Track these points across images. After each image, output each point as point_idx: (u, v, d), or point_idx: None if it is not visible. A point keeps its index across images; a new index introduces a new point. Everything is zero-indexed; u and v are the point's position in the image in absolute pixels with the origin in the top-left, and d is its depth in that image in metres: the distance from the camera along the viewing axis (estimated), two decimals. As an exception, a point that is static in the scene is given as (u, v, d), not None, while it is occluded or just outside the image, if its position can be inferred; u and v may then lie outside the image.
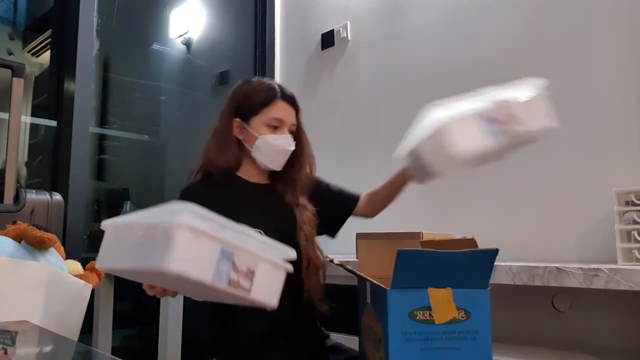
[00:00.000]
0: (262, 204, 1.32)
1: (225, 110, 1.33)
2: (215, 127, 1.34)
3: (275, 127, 1.30)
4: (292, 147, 1.32)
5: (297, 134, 1.37)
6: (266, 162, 1.31)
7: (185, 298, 1.69)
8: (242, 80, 1.38)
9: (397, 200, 2.46)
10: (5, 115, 1.71)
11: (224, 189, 1.30)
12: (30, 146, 2.25)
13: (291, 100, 1.35)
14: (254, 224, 1.17)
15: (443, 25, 2.32)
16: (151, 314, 2.40)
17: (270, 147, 1.29)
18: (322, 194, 1.41)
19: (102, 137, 2.47)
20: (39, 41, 2.35)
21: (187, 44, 2.88)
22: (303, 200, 1.34)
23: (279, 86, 1.34)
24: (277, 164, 1.32)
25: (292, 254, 0.80)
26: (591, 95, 1.85)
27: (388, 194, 1.47)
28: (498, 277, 1.59)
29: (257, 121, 1.29)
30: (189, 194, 1.30)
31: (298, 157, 1.35)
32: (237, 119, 1.31)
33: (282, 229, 1.24)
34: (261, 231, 1.16)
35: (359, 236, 1.47)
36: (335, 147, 2.67)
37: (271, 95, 1.31)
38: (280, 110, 1.31)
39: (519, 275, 1.54)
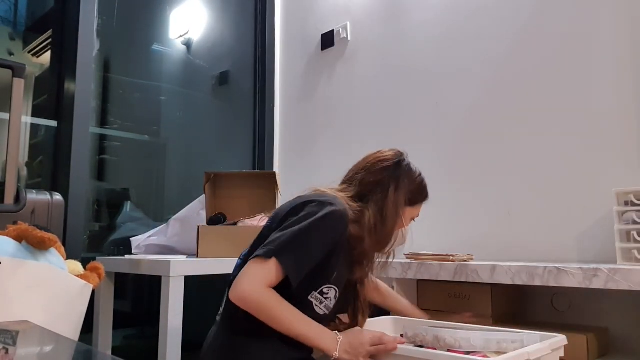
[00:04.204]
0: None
1: (400, 185, 1.32)
2: (386, 193, 1.29)
3: (411, 221, 1.40)
4: None
5: None
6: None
7: (185, 297, 1.69)
8: (406, 160, 1.38)
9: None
10: (5, 116, 1.71)
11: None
12: (30, 146, 2.25)
13: None
14: (340, 286, 1.25)
15: (443, 25, 2.33)
16: (151, 314, 2.40)
17: (403, 239, 1.37)
18: None
19: (102, 137, 2.47)
20: (39, 42, 2.35)
21: (188, 44, 2.88)
22: (367, 277, 1.39)
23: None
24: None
25: None
26: (591, 95, 1.86)
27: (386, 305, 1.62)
28: (498, 277, 1.59)
29: (409, 212, 1.37)
30: (346, 220, 1.21)
31: None
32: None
33: (339, 300, 1.29)
34: (337, 295, 1.24)
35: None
36: (335, 146, 2.67)
37: (427, 195, 1.41)
38: (421, 208, 1.42)
39: (519, 275, 1.55)
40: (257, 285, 1.08)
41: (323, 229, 1.13)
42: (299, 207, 1.17)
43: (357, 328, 1.22)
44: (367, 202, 1.28)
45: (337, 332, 1.16)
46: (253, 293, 1.07)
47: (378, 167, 1.34)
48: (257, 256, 1.09)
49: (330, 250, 1.15)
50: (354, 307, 1.32)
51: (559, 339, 1.13)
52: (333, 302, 1.22)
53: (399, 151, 1.40)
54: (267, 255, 1.08)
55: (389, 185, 1.30)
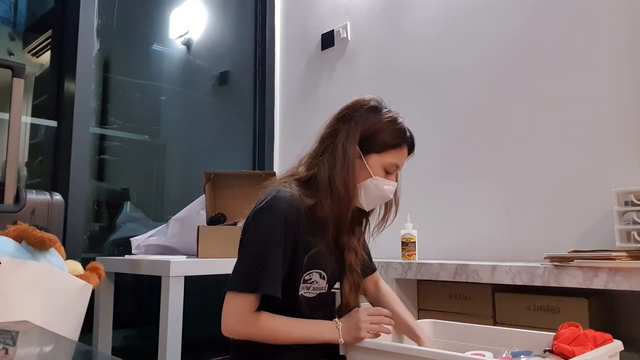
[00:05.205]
0: (331, 242, 1.23)
1: (352, 130, 1.19)
2: (335, 144, 1.19)
3: (388, 172, 1.23)
4: (392, 197, 1.26)
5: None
6: (363, 201, 1.22)
7: (185, 297, 1.69)
8: (371, 104, 1.23)
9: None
10: (5, 116, 1.71)
11: (312, 211, 1.18)
12: (30, 146, 2.25)
13: (413, 147, 1.26)
14: (323, 265, 1.19)
15: (443, 25, 2.33)
16: (151, 314, 2.40)
17: (377, 191, 1.21)
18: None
19: (102, 137, 2.47)
20: (39, 41, 2.35)
21: (187, 44, 2.88)
22: (355, 242, 1.27)
23: (407, 128, 1.24)
24: (371, 206, 1.26)
25: None
26: (591, 95, 1.86)
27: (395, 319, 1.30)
28: (498, 277, 1.59)
29: (377, 160, 1.20)
30: (291, 211, 1.13)
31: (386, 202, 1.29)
32: (358, 148, 1.20)
33: (335, 272, 1.24)
34: (324, 274, 1.20)
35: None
36: (335, 147, 2.67)
37: (401, 139, 1.22)
38: (402, 156, 1.23)
39: (519, 275, 1.55)
40: (241, 318, 1.10)
41: (272, 236, 1.11)
42: (250, 220, 1.15)
43: (355, 309, 1.19)
44: (322, 158, 1.19)
45: (335, 319, 1.18)
46: (240, 327, 1.11)
47: (335, 116, 1.24)
48: (229, 290, 1.11)
49: (294, 243, 1.14)
50: (341, 274, 1.26)
51: (616, 345, 1.08)
52: (322, 282, 1.21)
53: (368, 96, 1.25)
54: (237, 289, 1.10)
55: (340, 133, 1.19)
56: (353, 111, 1.22)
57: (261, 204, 1.14)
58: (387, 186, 1.21)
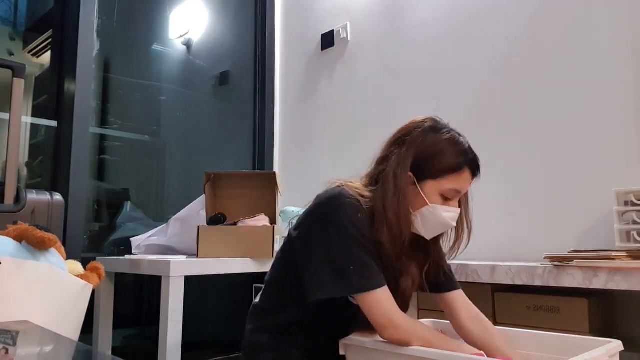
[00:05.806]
0: (379, 263, 1.11)
1: (403, 156, 1.11)
2: (387, 172, 1.12)
3: (447, 198, 1.12)
4: (455, 224, 1.16)
5: (463, 201, 1.18)
6: (422, 230, 1.14)
7: (185, 297, 1.69)
8: (426, 125, 1.14)
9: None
10: (5, 116, 1.71)
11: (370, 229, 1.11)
12: (30, 146, 2.25)
13: (476, 169, 1.14)
14: None
15: (443, 25, 2.33)
16: (151, 314, 2.40)
17: (436, 219, 1.11)
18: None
19: (102, 137, 2.47)
20: (39, 42, 2.36)
21: (188, 44, 2.88)
22: (415, 270, 1.18)
23: (469, 149, 1.13)
24: (431, 235, 1.16)
25: None
26: (591, 95, 1.86)
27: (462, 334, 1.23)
28: (498, 277, 1.59)
29: (433, 186, 1.10)
30: (361, 220, 1.08)
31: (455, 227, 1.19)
32: (411, 173, 1.11)
33: None
34: None
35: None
36: (335, 146, 2.67)
37: (460, 162, 1.10)
38: (463, 181, 1.11)
39: (519, 275, 1.55)
40: (396, 313, 1.04)
41: (350, 227, 1.05)
42: (326, 218, 1.07)
43: None
44: (377, 187, 1.12)
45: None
46: (397, 324, 1.03)
47: (390, 140, 1.17)
48: (365, 290, 1.03)
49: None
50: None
51: (616, 345, 1.08)
52: None
53: (426, 117, 1.17)
54: (373, 287, 1.04)
55: (392, 159, 1.12)
56: (406, 135, 1.14)
57: (330, 203, 1.09)
58: (447, 213, 1.11)
